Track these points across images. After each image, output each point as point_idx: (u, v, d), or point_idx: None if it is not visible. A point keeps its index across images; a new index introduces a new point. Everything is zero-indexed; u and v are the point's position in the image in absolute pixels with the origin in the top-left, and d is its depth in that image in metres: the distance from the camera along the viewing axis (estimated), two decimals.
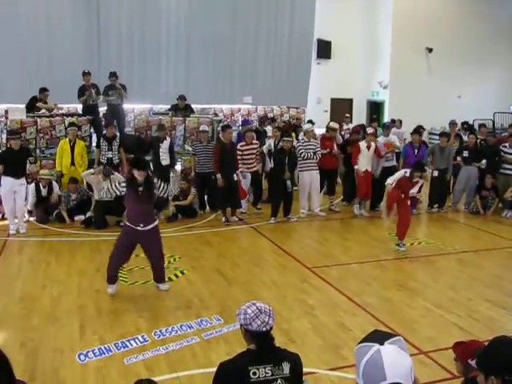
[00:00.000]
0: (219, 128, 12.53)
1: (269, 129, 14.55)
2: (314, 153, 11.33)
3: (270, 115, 17.35)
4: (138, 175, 6.80)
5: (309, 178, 11.42)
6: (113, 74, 12.91)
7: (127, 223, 6.99)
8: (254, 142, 11.80)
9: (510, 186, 11.98)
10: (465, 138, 13.82)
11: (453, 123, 14.12)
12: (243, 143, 11.62)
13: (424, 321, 6.47)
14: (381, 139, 12.32)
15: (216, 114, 15.79)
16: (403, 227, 9.28)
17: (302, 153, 11.31)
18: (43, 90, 12.76)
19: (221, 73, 18.45)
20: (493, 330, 5.94)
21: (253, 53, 18.93)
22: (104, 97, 12.84)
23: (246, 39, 18.77)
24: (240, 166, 11.35)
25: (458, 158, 12.41)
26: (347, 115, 17.56)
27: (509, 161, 12.20)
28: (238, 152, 11.39)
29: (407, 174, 9.15)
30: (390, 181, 9.30)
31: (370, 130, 11.75)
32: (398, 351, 1.96)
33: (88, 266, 8.21)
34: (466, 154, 12.35)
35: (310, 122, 13.60)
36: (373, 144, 11.54)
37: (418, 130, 12.76)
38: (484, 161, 12.17)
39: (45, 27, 16.13)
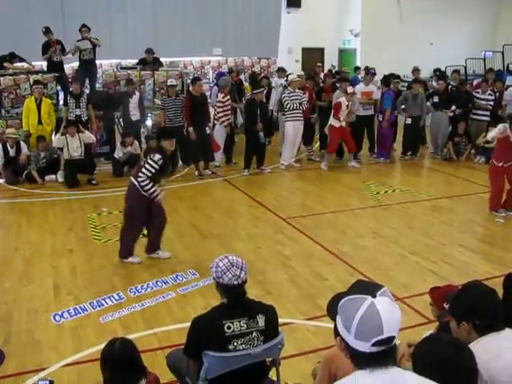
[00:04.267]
0: (189, 81, 12.27)
1: (275, 80, 14.49)
2: (300, 103, 11.18)
3: (241, 67, 17.07)
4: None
5: (294, 128, 11.32)
6: (84, 26, 12.46)
7: None
8: None
9: (482, 131, 11.98)
10: (435, 84, 13.81)
11: (415, 70, 14.23)
12: (223, 95, 11.32)
13: (399, 268, 6.51)
14: (360, 87, 12.22)
15: (185, 67, 15.46)
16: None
17: (287, 103, 11.16)
18: (12, 57, 12.31)
19: (189, 24, 17.94)
20: (467, 275, 6.00)
21: (221, 2, 18.47)
22: (75, 46, 12.34)
23: None
24: (222, 118, 11.22)
25: (428, 104, 12.38)
26: (319, 64, 17.34)
27: (481, 106, 12.22)
28: (219, 104, 11.20)
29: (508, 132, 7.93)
30: (491, 139, 8.43)
31: (350, 90, 11.31)
32: (391, 303, 1.86)
33: (60, 226, 8.07)
34: (436, 99, 12.33)
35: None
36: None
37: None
38: (454, 107, 12.17)
39: None
